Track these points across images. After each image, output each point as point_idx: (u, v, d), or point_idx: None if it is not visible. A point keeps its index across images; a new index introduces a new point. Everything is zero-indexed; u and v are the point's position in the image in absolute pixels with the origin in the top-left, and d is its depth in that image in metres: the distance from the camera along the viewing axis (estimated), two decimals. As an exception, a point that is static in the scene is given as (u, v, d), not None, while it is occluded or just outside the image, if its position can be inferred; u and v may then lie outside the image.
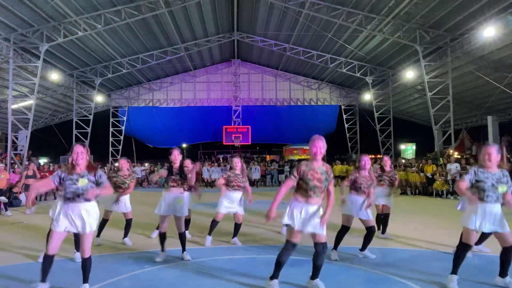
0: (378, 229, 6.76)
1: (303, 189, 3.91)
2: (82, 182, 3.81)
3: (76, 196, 3.82)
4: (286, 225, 3.99)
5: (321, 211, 3.97)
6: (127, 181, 6.49)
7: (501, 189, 3.98)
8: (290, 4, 16.64)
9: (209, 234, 6.32)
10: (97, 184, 3.93)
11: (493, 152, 4.00)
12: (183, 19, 18.67)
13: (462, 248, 4.13)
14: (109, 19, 16.30)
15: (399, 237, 6.65)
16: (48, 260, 3.85)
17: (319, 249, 3.93)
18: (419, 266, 4.90)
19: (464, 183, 4.05)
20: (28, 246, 6.16)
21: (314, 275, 4.01)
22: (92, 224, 3.90)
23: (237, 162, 6.38)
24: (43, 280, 3.86)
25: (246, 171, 6.61)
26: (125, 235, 6.45)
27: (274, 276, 3.97)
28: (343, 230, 5.48)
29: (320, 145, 3.90)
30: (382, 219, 6.77)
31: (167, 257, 5.28)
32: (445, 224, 8.10)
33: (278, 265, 3.95)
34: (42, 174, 14.36)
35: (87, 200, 3.87)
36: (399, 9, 14.81)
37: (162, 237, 5.28)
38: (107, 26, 16.52)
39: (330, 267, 4.77)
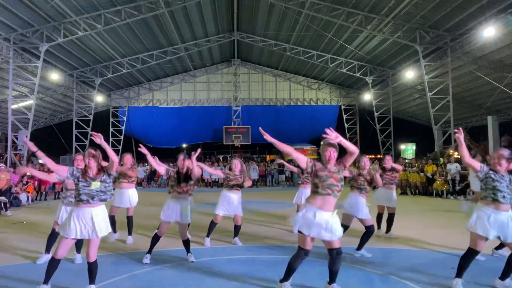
0: (378, 228, 6.78)
1: (319, 187, 3.79)
2: (95, 185, 3.90)
3: (91, 198, 3.88)
4: (299, 231, 3.87)
5: (336, 216, 3.84)
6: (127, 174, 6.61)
7: None
8: (290, 4, 16.63)
9: (208, 235, 6.31)
10: (108, 175, 3.99)
11: (505, 157, 3.97)
12: (183, 19, 18.67)
13: (469, 254, 4.03)
14: (109, 19, 16.30)
15: (399, 237, 6.66)
16: (54, 264, 3.88)
17: (333, 254, 3.81)
18: (419, 266, 4.90)
19: (476, 162, 4.05)
20: (30, 247, 6.17)
21: (331, 280, 3.91)
22: (102, 230, 3.92)
23: (237, 163, 6.33)
24: (46, 282, 3.88)
25: (246, 173, 6.56)
26: (129, 232, 6.51)
27: (285, 279, 3.92)
28: (343, 229, 5.48)
29: (333, 150, 3.88)
30: (387, 219, 6.80)
31: (156, 257, 5.28)
32: (445, 224, 8.11)
33: (289, 270, 3.89)
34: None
35: (102, 201, 3.95)
36: (399, 9, 14.80)
37: (157, 240, 5.27)
38: (107, 26, 16.52)
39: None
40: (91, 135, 3.99)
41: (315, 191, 3.84)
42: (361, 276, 4.57)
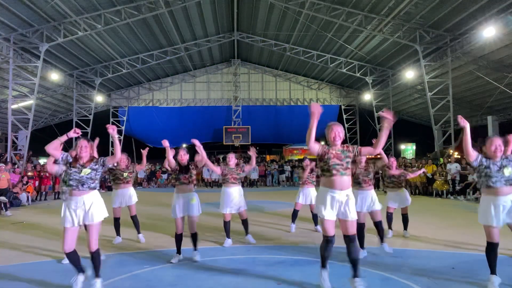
0: (389, 228, 6.75)
1: (325, 170, 3.83)
2: (85, 172, 3.91)
3: (80, 185, 3.87)
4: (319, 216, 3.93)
5: (350, 197, 3.83)
6: (124, 174, 6.59)
7: (507, 171, 3.89)
8: (290, 4, 16.63)
9: (228, 236, 6.24)
10: (103, 165, 4.03)
11: (499, 143, 3.94)
12: (183, 19, 18.66)
13: (488, 248, 3.96)
14: (109, 19, 16.30)
15: (399, 237, 6.66)
16: (70, 257, 3.85)
17: (346, 242, 3.82)
18: (419, 266, 4.89)
19: (474, 151, 3.99)
20: (32, 245, 6.19)
21: (354, 273, 3.84)
22: (98, 214, 3.90)
23: (231, 157, 6.37)
24: (79, 271, 3.90)
25: (241, 165, 6.57)
26: (138, 231, 6.58)
27: (323, 265, 3.96)
28: (359, 227, 5.45)
29: (339, 130, 3.89)
30: (402, 220, 6.82)
31: (181, 258, 5.26)
32: (445, 224, 8.12)
33: (322, 258, 3.93)
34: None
35: (92, 188, 3.93)
36: (399, 9, 14.80)
37: (178, 238, 5.25)
38: (107, 26, 16.52)
39: (330, 267, 4.76)
40: (106, 127, 4.08)
41: (323, 174, 3.89)
42: (361, 276, 4.56)
